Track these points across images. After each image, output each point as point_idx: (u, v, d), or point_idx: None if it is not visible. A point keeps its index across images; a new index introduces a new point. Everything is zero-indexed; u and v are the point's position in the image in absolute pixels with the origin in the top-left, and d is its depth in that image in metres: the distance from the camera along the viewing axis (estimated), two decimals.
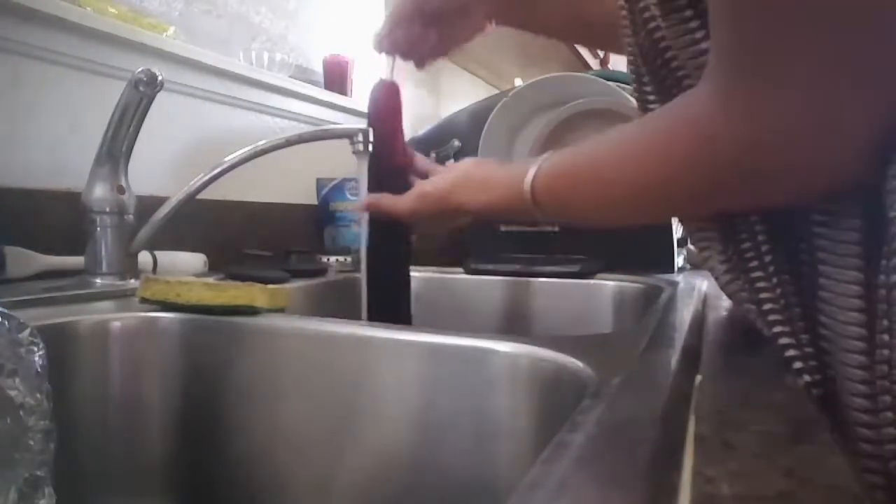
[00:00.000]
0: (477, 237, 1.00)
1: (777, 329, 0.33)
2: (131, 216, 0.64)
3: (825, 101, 0.27)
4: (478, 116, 1.17)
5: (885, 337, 0.28)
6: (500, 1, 0.62)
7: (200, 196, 0.69)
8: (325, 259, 0.94)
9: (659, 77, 0.38)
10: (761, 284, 0.34)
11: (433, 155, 1.19)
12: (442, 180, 0.58)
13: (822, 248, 0.32)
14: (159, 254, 0.74)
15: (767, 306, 0.34)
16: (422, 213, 0.59)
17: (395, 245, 0.64)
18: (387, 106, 0.65)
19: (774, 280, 0.34)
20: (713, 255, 0.38)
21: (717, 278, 0.38)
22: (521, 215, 0.50)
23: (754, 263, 0.35)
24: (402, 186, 0.61)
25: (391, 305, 0.63)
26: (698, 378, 0.30)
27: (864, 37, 0.25)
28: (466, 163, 0.59)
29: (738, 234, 0.36)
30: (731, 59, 0.30)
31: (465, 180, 0.56)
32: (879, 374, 0.29)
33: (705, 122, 0.33)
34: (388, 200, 0.61)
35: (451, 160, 1.14)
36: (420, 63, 0.67)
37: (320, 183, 1.08)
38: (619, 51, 0.47)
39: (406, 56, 0.65)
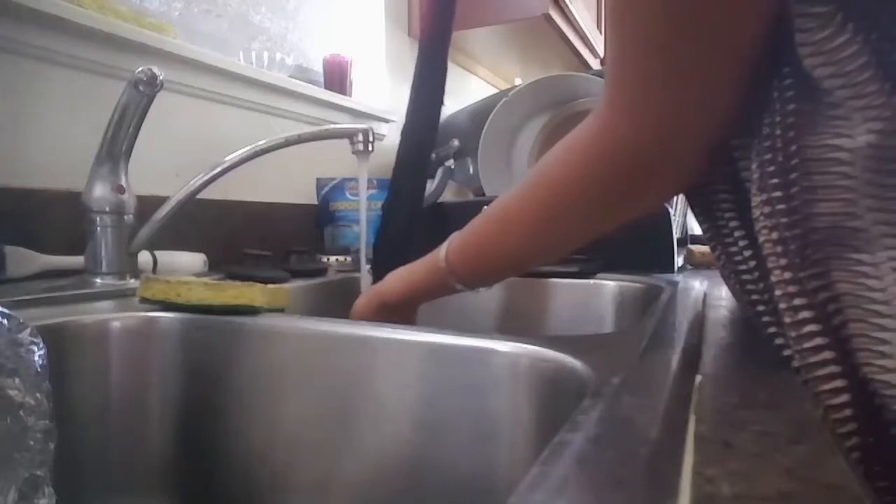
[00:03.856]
0: None
1: (771, 330, 0.34)
2: (131, 216, 0.64)
3: (688, 98, 0.33)
4: (478, 116, 1.17)
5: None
6: None
7: (200, 196, 0.69)
8: (325, 259, 0.94)
9: None
10: (750, 287, 0.35)
11: (433, 156, 1.19)
12: (370, 289, 0.61)
13: None
14: (159, 254, 0.74)
15: (760, 308, 0.34)
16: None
17: None
18: None
19: (761, 285, 0.34)
20: (715, 256, 0.38)
21: (721, 276, 0.39)
22: (442, 287, 0.54)
23: (742, 267, 0.35)
24: None
25: None
26: (698, 378, 0.30)
27: (714, 46, 0.30)
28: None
29: (724, 238, 0.36)
30: (611, 73, 0.35)
31: (389, 276, 0.60)
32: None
33: (594, 132, 0.38)
34: None
35: (451, 160, 1.14)
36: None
37: (320, 183, 1.08)
38: None
39: None
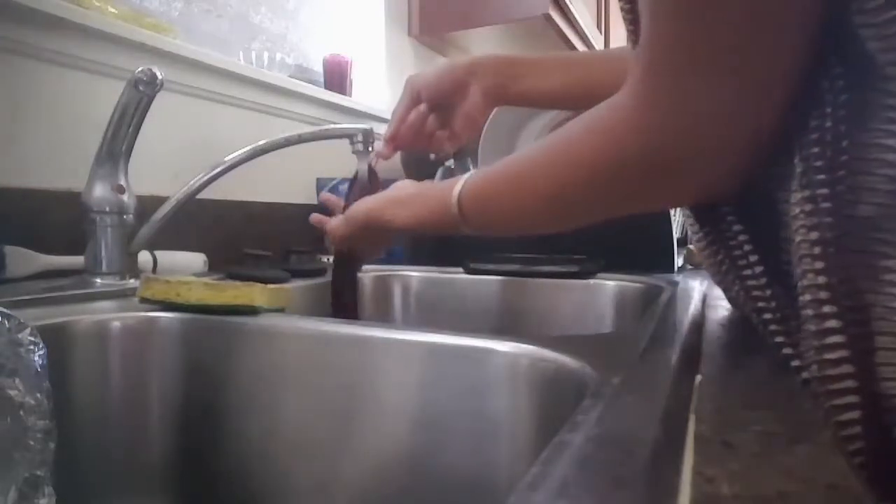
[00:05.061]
0: (477, 237, 1.00)
1: (779, 339, 0.33)
2: (131, 216, 0.64)
3: (732, 93, 0.30)
4: None
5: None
6: (496, 75, 0.62)
7: (200, 196, 0.69)
8: (325, 259, 0.94)
9: None
10: (757, 294, 0.34)
11: (432, 156, 1.19)
12: (374, 199, 0.58)
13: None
14: (159, 254, 0.74)
15: (766, 316, 0.34)
16: (352, 235, 0.60)
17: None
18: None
19: (769, 292, 0.34)
20: (713, 262, 0.38)
21: (717, 284, 0.38)
22: (449, 227, 0.52)
23: (748, 272, 0.35)
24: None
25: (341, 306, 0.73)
26: (698, 378, 0.30)
27: (769, 38, 0.28)
28: (402, 183, 0.59)
29: (727, 242, 0.36)
30: (650, 56, 0.32)
31: (397, 198, 0.57)
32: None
33: (622, 118, 0.35)
34: (330, 224, 0.64)
35: (451, 160, 1.14)
36: (426, 151, 0.71)
37: (320, 183, 1.08)
38: None
39: (414, 146, 0.68)
